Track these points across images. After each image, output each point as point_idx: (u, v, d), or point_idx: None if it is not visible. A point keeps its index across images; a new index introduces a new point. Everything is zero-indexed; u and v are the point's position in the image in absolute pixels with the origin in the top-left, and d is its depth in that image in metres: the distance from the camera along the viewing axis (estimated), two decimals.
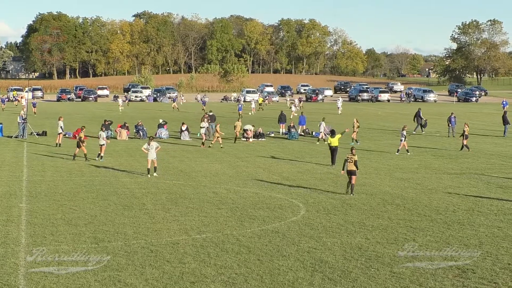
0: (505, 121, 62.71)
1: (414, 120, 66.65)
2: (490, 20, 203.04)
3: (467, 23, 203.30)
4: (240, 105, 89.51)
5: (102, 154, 43.60)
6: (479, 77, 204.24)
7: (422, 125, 64.80)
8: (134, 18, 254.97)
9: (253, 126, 58.58)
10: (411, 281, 18.74)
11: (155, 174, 36.97)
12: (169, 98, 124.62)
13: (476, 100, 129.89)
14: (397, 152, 47.71)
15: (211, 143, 51.55)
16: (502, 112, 72.70)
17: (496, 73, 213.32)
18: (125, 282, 18.50)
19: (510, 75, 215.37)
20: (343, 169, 32.40)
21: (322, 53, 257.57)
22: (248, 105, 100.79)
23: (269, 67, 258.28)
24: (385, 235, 23.88)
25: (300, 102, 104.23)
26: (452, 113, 62.89)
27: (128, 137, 57.25)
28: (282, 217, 26.78)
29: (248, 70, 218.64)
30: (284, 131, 62.10)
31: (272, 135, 61.24)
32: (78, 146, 43.43)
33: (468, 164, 42.91)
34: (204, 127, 52.26)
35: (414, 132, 62.79)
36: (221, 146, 50.86)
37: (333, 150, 41.84)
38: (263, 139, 57.30)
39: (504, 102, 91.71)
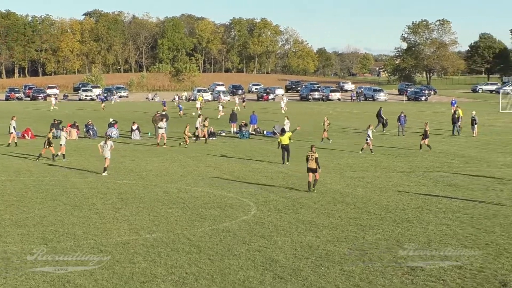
0: (453, 120, 63.32)
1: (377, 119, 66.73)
2: (439, 20, 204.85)
3: (417, 22, 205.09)
4: (180, 105, 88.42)
5: (59, 153, 43.30)
6: (428, 76, 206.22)
7: (383, 124, 65.10)
8: (84, 16, 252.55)
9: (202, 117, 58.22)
10: (361, 279, 18.88)
11: (104, 173, 36.74)
12: (98, 98, 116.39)
13: (426, 99, 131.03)
14: (371, 152, 47.53)
15: (180, 144, 51.43)
16: (451, 110, 73.50)
17: (445, 73, 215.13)
18: (74, 283, 18.34)
19: (459, 74, 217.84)
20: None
21: (273, 52, 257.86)
22: (193, 105, 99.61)
23: (221, 66, 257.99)
24: (335, 234, 24.02)
25: (243, 101, 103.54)
26: (402, 112, 63.44)
27: (78, 137, 56.78)
28: (233, 216, 26.78)
29: (199, 69, 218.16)
30: (235, 130, 62.04)
31: (224, 134, 61.17)
32: (45, 146, 43.06)
33: (417, 163, 43.34)
34: (162, 127, 51.88)
35: (374, 130, 62.90)
36: (186, 145, 50.76)
37: (283, 149, 42.03)
38: (214, 138, 57.17)
39: (453, 101, 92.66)
